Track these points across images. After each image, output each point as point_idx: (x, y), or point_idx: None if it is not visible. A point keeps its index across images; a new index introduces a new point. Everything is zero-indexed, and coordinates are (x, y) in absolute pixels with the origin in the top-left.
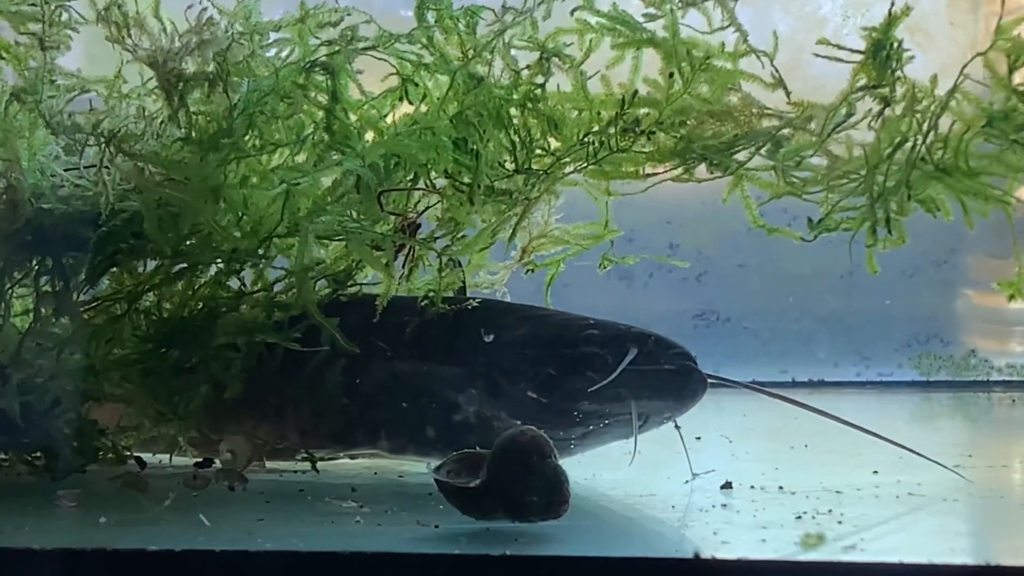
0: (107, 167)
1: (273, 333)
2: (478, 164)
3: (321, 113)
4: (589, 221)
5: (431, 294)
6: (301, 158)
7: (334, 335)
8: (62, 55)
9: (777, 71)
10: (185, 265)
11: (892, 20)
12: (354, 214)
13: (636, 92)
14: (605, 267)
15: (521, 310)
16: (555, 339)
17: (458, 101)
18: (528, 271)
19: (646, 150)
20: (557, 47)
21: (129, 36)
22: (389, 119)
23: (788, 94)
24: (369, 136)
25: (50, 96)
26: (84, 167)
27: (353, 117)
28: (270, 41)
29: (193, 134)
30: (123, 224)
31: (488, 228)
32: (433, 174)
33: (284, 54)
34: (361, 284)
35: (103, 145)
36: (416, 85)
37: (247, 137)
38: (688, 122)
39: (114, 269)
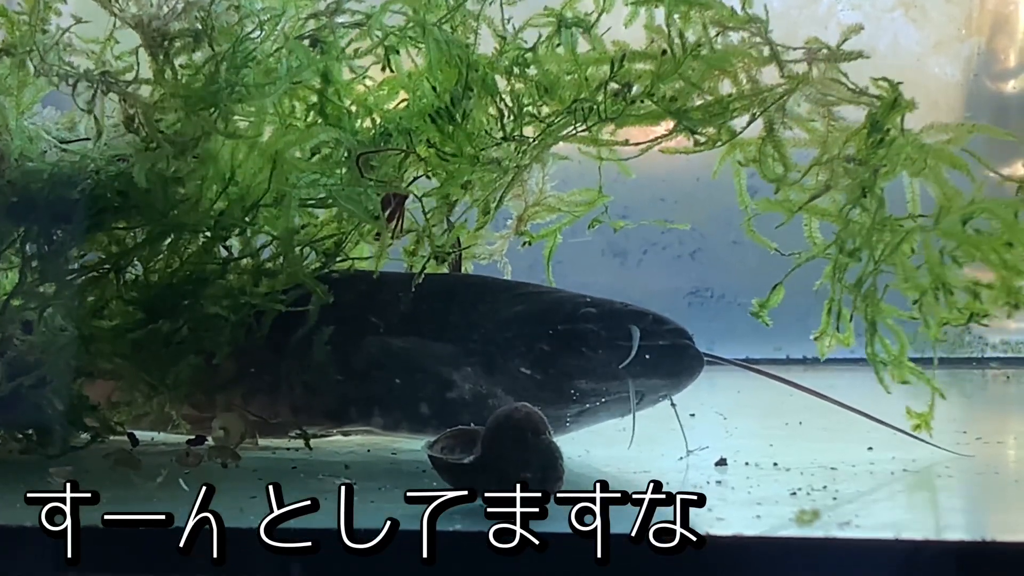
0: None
1: (261, 297)
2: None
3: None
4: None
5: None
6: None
7: (322, 299)
8: (55, 16)
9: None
10: (172, 230)
11: (894, 106)
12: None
13: (624, 56)
14: (593, 227)
15: (516, 287)
16: (551, 316)
17: (441, 70)
18: (525, 244)
19: (639, 113)
20: (576, 16)
21: (116, 1)
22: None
23: (782, 68)
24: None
25: (42, 39)
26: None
27: (347, 101)
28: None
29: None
30: (109, 180)
31: (480, 200)
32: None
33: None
34: (353, 259)
35: (96, 83)
36: (397, 53)
37: (233, 93)
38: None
39: (100, 233)
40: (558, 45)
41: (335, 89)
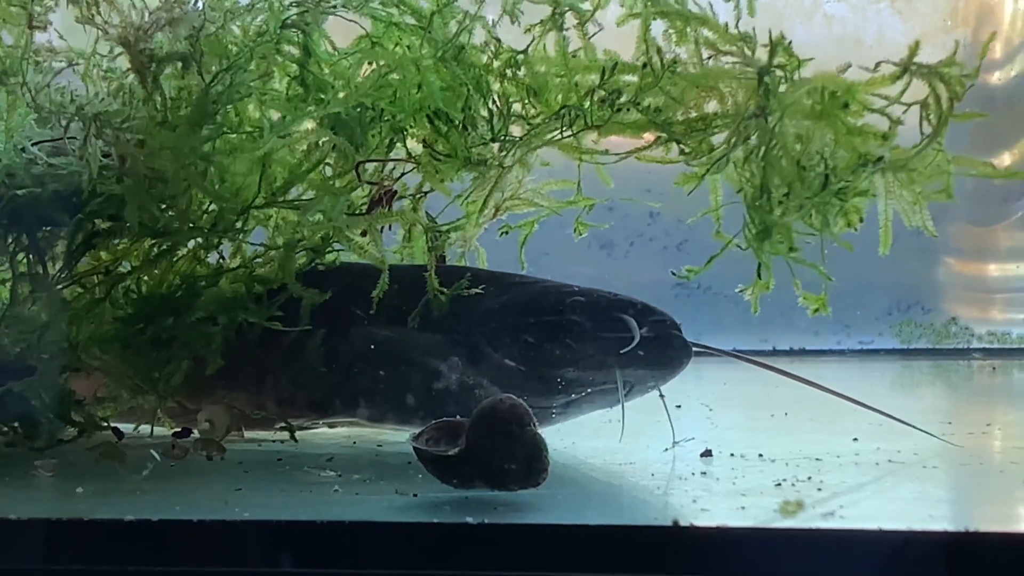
0: (90, 150)
1: (252, 311)
2: (457, 134)
3: (294, 68)
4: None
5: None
6: (275, 115)
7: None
8: (42, 32)
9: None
10: (164, 244)
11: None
12: (332, 181)
13: (616, 64)
14: (581, 233)
15: (504, 277)
16: (538, 306)
17: (436, 69)
18: (502, 233)
19: (624, 121)
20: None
21: (99, 14)
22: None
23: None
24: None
25: (35, 71)
26: (67, 143)
27: (327, 70)
28: (242, 9)
29: (169, 116)
30: (100, 207)
31: (464, 196)
32: (410, 141)
33: (256, 21)
34: (338, 250)
35: (88, 124)
36: (383, 47)
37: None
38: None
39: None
40: (550, 30)
41: (315, 62)
